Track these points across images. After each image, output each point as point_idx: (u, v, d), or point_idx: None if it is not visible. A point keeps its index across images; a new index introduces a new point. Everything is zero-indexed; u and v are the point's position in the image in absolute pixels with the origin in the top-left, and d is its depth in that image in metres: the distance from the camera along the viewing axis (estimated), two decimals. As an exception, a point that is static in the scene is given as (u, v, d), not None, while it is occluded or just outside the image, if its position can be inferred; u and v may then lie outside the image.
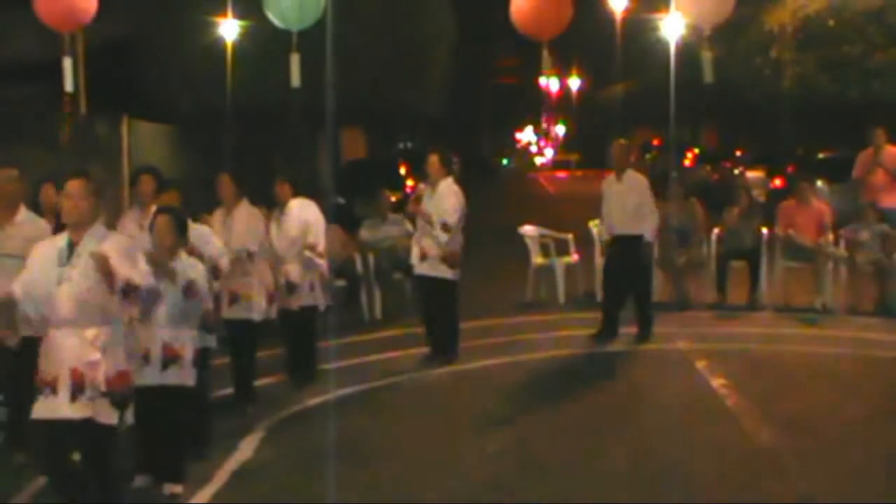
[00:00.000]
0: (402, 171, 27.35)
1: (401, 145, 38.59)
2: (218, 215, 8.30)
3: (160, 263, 6.00)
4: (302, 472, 6.81)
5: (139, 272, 5.32)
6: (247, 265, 8.15)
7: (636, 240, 10.30)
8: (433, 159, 9.62)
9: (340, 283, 11.86)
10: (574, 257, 13.12)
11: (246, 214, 8.28)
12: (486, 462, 6.99)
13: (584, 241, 13.29)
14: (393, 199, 16.13)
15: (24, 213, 7.16)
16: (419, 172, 31.22)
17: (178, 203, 7.09)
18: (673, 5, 10.51)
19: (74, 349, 5.24)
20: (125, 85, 19.50)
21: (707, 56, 10.12)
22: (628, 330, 10.91)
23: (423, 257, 9.62)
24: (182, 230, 6.35)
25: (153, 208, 7.27)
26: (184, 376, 6.25)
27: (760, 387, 8.73)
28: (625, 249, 10.39)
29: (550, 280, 12.95)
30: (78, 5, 9.97)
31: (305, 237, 8.92)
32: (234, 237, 8.07)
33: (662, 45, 26.15)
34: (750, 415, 7.85)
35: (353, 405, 8.39)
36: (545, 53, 10.46)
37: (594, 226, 13.10)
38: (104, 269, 5.15)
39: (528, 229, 13.33)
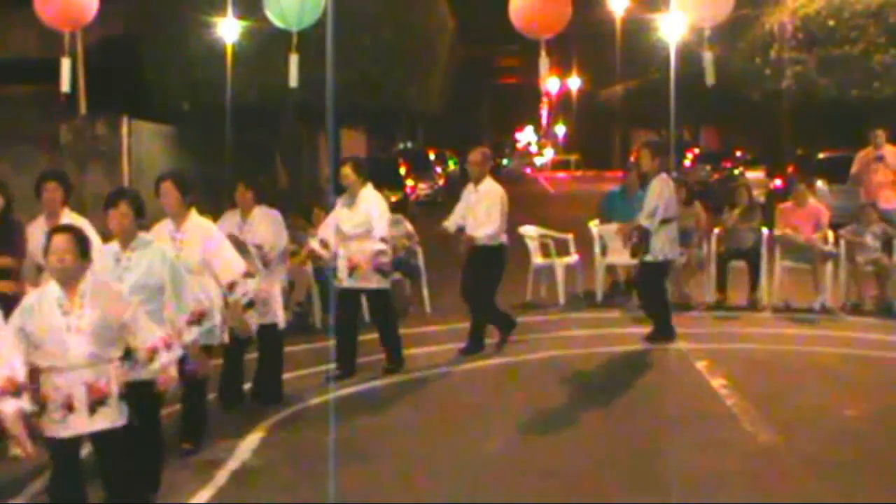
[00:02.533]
0: (402, 170, 27.39)
1: (401, 145, 38.62)
2: (164, 229, 7.09)
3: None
4: (302, 471, 6.81)
5: None
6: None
7: (486, 249, 9.95)
8: (346, 171, 9.17)
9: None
10: (574, 257, 13.12)
11: (196, 229, 7.11)
12: (486, 462, 7.00)
13: (584, 241, 13.28)
14: (393, 199, 16.13)
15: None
16: (419, 172, 31.38)
17: (128, 218, 5.94)
18: (673, 5, 10.53)
19: None
20: (125, 85, 19.51)
21: (709, 57, 10.13)
22: (631, 330, 10.91)
23: (353, 270, 9.15)
24: (83, 252, 5.20)
25: (63, 219, 6.95)
26: (114, 417, 5.26)
27: (760, 387, 8.73)
28: (476, 257, 10.04)
29: (550, 280, 12.95)
30: (78, 5, 10.00)
31: (270, 251, 8.23)
32: (184, 255, 6.85)
33: (662, 45, 26.19)
34: (750, 415, 7.84)
35: (353, 405, 8.38)
36: (543, 55, 10.46)
37: (594, 226, 13.11)
38: None
39: (527, 229, 13.30)
